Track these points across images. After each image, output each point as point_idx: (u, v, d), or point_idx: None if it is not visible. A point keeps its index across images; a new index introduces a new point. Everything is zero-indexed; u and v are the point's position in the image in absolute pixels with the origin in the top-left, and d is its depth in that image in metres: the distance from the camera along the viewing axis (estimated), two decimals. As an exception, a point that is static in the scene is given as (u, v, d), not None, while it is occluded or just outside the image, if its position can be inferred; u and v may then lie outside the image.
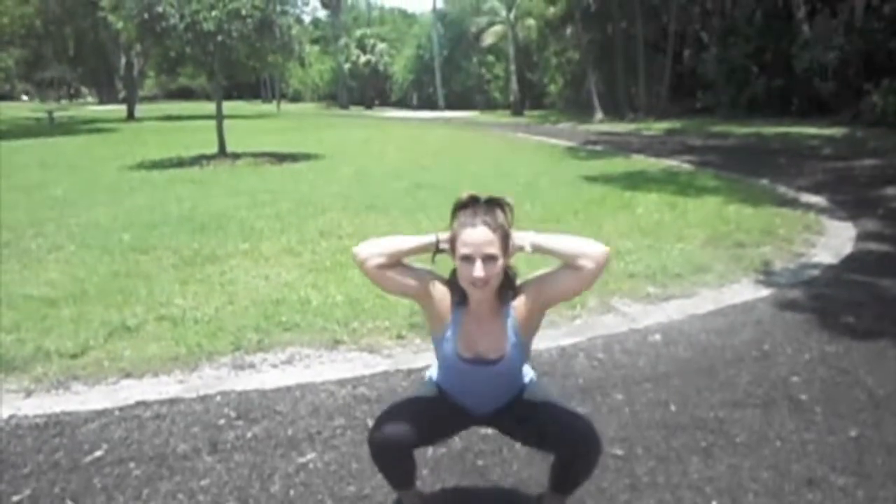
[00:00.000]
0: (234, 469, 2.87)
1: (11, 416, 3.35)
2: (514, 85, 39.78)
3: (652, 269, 5.62)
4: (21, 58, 49.19)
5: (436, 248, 2.20)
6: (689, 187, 10.04)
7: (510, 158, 14.95)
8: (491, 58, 47.48)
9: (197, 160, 14.80)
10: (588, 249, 2.14)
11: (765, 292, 5.17)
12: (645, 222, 7.47)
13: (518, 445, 2.94)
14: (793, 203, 8.72)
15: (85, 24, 36.70)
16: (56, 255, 6.42)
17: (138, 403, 3.47)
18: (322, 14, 63.00)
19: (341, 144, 19.18)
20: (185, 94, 75.66)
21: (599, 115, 30.39)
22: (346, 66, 58.29)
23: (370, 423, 2.29)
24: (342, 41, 58.41)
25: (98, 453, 3.00)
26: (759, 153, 15.65)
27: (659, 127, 24.58)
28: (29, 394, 3.60)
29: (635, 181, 10.75)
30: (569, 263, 2.15)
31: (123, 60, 41.02)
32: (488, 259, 2.08)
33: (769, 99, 25.99)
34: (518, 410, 2.35)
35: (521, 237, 2.17)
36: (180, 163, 14.62)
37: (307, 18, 52.49)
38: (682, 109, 29.64)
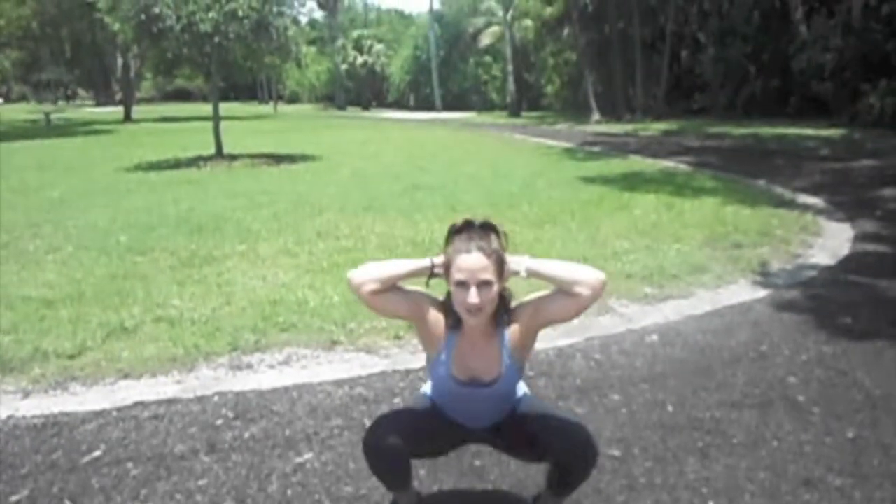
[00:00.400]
0: (231, 469, 2.87)
1: (9, 417, 3.35)
2: (511, 86, 39.75)
3: (649, 269, 5.63)
4: (18, 60, 49.18)
5: (430, 272, 2.19)
6: (686, 188, 10.05)
7: (507, 159, 14.95)
8: (488, 58, 47.48)
9: (194, 161, 14.79)
10: (584, 276, 2.11)
11: (762, 293, 5.18)
12: (642, 223, 7.47)
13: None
14: (790, 204, 8.73)
15: (81, 26, 36.65)
16: (54, 256, 6.42)
17: (136, 404, 3.47)
18: (319, 15, 62.89)
19: (338, 145, 19.18)
20: (182, 96, 75.61)
21: (596, 115, 30.39)
22: (343, 67, 58.27)
23: (367, 423, 2.29)
24: (339, 42, 58.37)
25: (96, 454, 3.00)
26: (756, 154, 15.67)
27: (656, 128, 24.59)
28: (27, 394, 3.60)
29: (633, 182, 10.77)
30: (564, 290, 2.13)
31: (120, 62, 41.02)
32: (483, 285, 2.08)
33: (766, 100, 26.02)
34: (512, 426, 2.36)
35: (516, 262, 2.15)
36: (177, 164, 14.61)
37: (304, 19, 52.48)
38: (680, 110, 29.66)
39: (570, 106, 37.06)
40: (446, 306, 2.22)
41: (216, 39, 13.80)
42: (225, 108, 19.48)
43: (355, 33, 60.98)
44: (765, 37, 25.91)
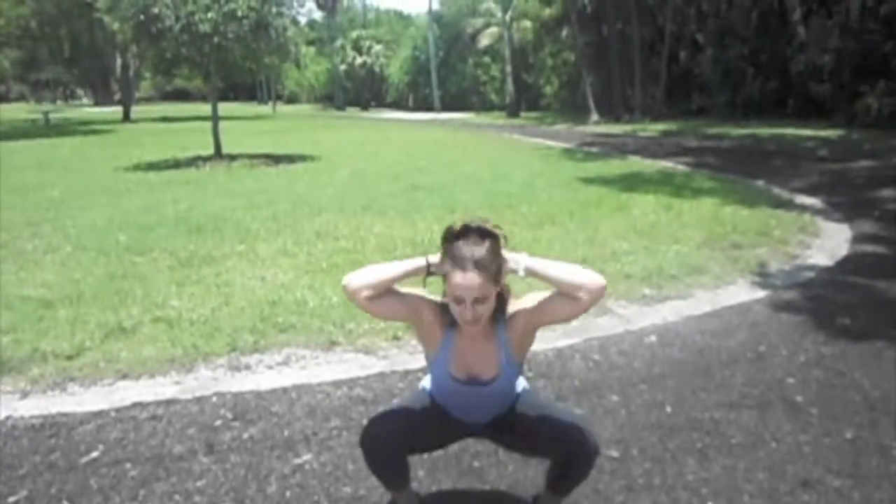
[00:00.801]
0: (230, 470, 2.87)
1: (8, 417, 3.35)
2: (509, 86, 39.76)
3: (648, 270, 5.63)
4: (16, 59, 49.09)
5: (427, 272, 2.18)
6: (685, 189, 10.06)
7: (506, 160, 14.95)
8: (487, 59, 47.46)
9: (193, 162, 14.79)
10: (584, 280, 2.09)
11: (760, 294, 5.18)
12: (641, 224, 7.47)
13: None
14: (788, 205, 8.74)
15: (80, 26, 36.63)
16: (52, 256, 6.42)
17: (134, 404, 3.47)
18: (318, 16, 63.01)
19: (337, 146, 19.18)
20: (181, 96, 75.61)
21: (595, 116, 30.39)
22: (342, 67, 58.28)
23: (363, 426, 2.29)
24: (338, 43, 58.38)
25: (94, 454, 3.00)
26: (754, 155, 15.67)
27: (655, 128, 24.60)
28: (25, 395, 3.60)
29: (631, 183, 10.77)
30: (563, 293, 2.12)
31: (119, 62, 41.02)
32: (478, 300, 2.08)
33: (765, 100, 26.04)
34: (511, 421, 2.36)
35: (514, 260, 2.13)
36: (176, 164, 14.61)
37: (303, 20, 52.52)
38: (678, 111, 29.67)
39: (569, 106, 37.07)
40: (443, 306, 2.22)
41: (215, 39, 13.80)
42: (224, 108, 19.48)
43: (354, 34, 60.93)
44: (763, 38, 25.95)
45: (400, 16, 74.52)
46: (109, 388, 3.66)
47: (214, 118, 15.71)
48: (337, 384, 3.69)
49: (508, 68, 39.85)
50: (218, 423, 3.28)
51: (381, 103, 58.94)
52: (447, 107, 48.38)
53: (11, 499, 2.70)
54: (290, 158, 15.48)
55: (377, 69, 58.61)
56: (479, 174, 12.05)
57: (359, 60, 58.38)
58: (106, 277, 5.65)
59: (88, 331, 4.36)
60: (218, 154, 15.37)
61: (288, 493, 2.71)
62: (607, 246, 6.47)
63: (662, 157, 15.06)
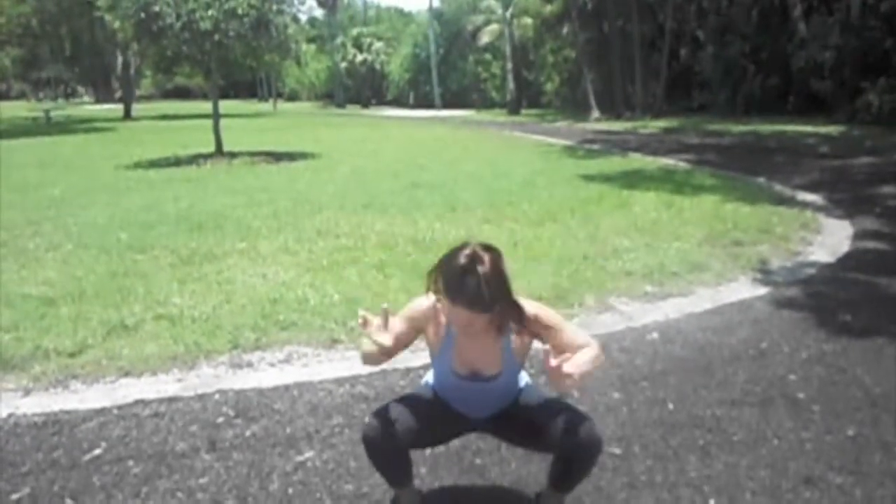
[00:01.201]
0: (232, 467, 2.87)
1: (10, 415, 3.35)
2: (510, 83, 39.73)
3: (649, 267, 5.63)
4: (17, 57, 49.08)
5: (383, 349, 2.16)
6: (686, 186, 10.05)
7: (507, 157, 14.95)
8: (487, 56, 47.44)
9: (194, 159, 14.78)
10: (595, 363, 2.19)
11: (762, 291, 5.18)
12: (642, 221, 7.47)
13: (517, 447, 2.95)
14: (790, 201, 8.74)
15: (81, 24, 36.61)
16: (54, 254, 6.42)
17: (137, 402, 3.47)
18: (318, 13, 63.01)
19: (338, 143, 19.18)
20: (182, 94, 75.54)
21: (596, 113, 30.39)
22: (343, 64, 58.27)
23: (365, 422, 2.29)
24: (338, 40, 58.35)
25: (97, 452, 3.01)
26: (755, 151, 15.67)
27: (655, 125, 24.60)
28: (28, 392, 3.60)
29: (632, 180, 10.77)
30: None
31: (120, 60, 40.96)
32: (466, 327, 2.12)
33: (766, 97, 26.05)
34: (515, 415, 2.37)
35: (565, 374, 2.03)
36: (177, 162, 14.60)
37: (303, 17, 52.50)
38: (679, 108, 29.68)
39: (570, 104, 37.08)
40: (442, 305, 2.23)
41: (216, 37, 13.79)
42: (224, 105, 19.47)
43: (355, 31, 60.95)
44: (764, 35, 25.94)
45: (400, 13, 74.51)
46: (112, 386, 3.67)
47: (215, 116, 15.71)
48: (339, 382, 3.69)
49: (509, 65, 39.82)
50: (220, 420, 3.28)
51: (382, 101, 58.91)
52: (448, 104, 48.37)
53: (14, 496, 2.71)
54: (290, 156, 15.47)
55: (378, 66, 58.60)
56: (479, 172, 12.04)
57: (359, 58, 58.37)
58: (107, 275, 5.65)
59: (90, 328, 4.36)
60: (219, 152, 15.36)
61: (290, 491, 2.71)
62: (608, 243, 6.47)
63: (663, 154, 15.06)
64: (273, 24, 14.41)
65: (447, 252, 2.12)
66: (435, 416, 2.36)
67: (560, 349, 2.20)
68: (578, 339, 2.23)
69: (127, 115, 37.15)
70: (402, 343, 2.28)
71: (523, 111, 38.64)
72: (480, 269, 2.01)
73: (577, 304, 4.82)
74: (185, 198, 9.60)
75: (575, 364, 2.03)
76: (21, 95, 76.67)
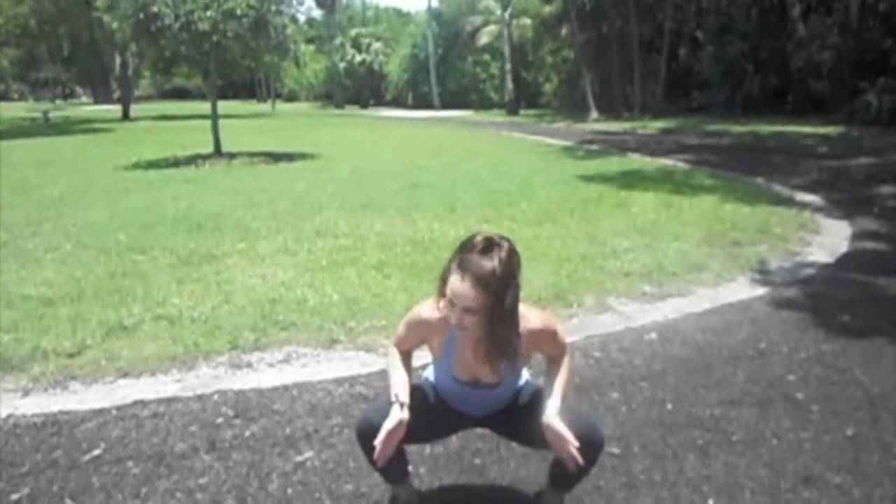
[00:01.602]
0: (231, 468, 2.87)
1: (9, 416, 3.35)
2: (509, 84, 39.76)
3: (648, 267, 5.64)
4: (16, 58, 49.08)
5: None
6: (684, 186, 10.06)
7: (506, 158, 14.95)
8: (486, 57, 47.49)
9: (193, 160, 14.77)
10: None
11: (761, 291, 5.19)
12: (641, 221, 7.48)
13: (514, 444, 2.95)
14: (788, 202, 8.74)
15: (79, 24, 36.54)
16: (53, 254, 6.41)
17: (136, 402, 3.47)
18: (317, 13, 63.04)
19: (337, 144, 19.17)
20: (181, 94, 75.58)
21: (595, 114, 30.40)
22: (342, 65, 58.28)
23: (357, 417, 2.30)
24: (337, 40, 58.37)
25: (96, 452, 3.01)
26: (754, 152, 15.68)
27: (654, 126, 24.60)
28: (27, 393, 3.60)
29: (631, 180, 10.77)
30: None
31: (118, 60, 40.94)
32: (466, 311, 2.07)
33: (764, 98, 26.07)
34: (514, 413, 2.38)
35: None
36: (176, 163, 14.59)
37: (302, 18, 52.49)
38: (678, 108, 29.70)
39: (569, 104, 37.09)
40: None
41: (214, 38, 13.78)
42: (223, 106, 19.46)
43: (353, 31, 60.97)
44: (763, 35, 25.95)
45: (399, 13, 74.65)
46: (111, 386, 3.67)
47: (214, 116, 15.71)
48: (338, 382, 3.70)
49: (508, 66, 39.85)
50: (219, 420, 3.28)
51: (381, 101, 58.91)
52: (446, 105, 48.39)
53: (14, 497, 2.71)
54: (289, 157, 15.47)
55: (376, 67, 58.62)
56: (478, 172, 12.05)
57: (358, 58, 58.40)
58: (107, 276, 5.65)
59: (89, 329, 4.36)
60: (217, 152, 15.36)
61: (290, 491, 2.71)
62: (607, 243, 6.47)
63: (662, 155, 15.07)
64: (272, 24, 14.41)
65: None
66: (432, 412, 2.37)
67: (549, 354, 2.33)
68: (561, 343, 2.34)
69: (125, 115, 37.12)
70: (410, 347, 2.37)
71: (522, 112, 38.66)
72: (498, 249, 2.05)
73: (575, 305, 4.83)
74: (184, 198, 9.60)
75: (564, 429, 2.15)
76: (19, 96, 76.66)
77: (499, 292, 2.04)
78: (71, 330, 4.34)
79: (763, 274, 5.61)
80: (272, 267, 5.87)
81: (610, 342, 4.23)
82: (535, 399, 2.36)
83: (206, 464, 2.91)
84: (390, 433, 2.11)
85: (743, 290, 5.23)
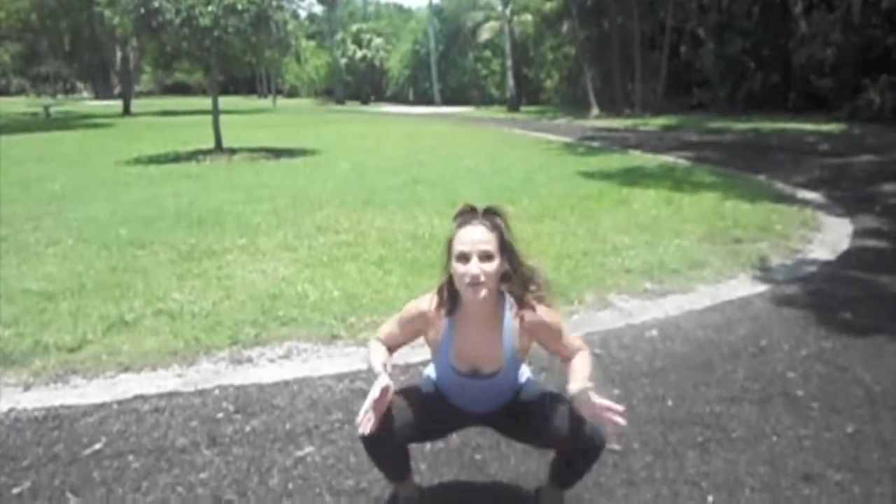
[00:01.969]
0: (232, 462, 2.88)
1: (11, 410, 3.36)
2: (510, 80, 39.72)
3: (649, 264, 5.64)
4: (17, 52, 49.04)
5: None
6: (685, 183, 10.06)
7: (506, 154, 14.94)
8: (487, 53, 47.40)
9: (193, 155, 14.78)
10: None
11: (762, 288, 5.19)
12: (642, 218, 7.48)
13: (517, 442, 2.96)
14: (790, 199, 8.74)
15: (81, 19, 36.49)
16: (54, 249, 6.42)
17: (137, 397, 3.48)
18: (318, 9, 62.94)
19: (337, 140, 19.17)
20: (181, 90, 75.46)
21: (596, 110, 30.38)
22: (343, 61, 58.19)
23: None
24: (338, 36, 58.29)
25: (97, 446, 3.01)
26: (756, 149, 15.66)
27: (656, 123, 24.58)
28: (28, 387, 3.60)
29: (632, 177, 10.77)
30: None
31: (119, 55, 40.92)
32: (484, 257, 2.08)
33: (766, 95, 26.04)
34: (515, 410, 2.37)
35: (577, 384, 2.12)
36: (177, 158, 14.60)
37: (303, 13, 52.43)
38: (679, 105, 29.66)
39: (570, 101, 37.03)
40: (441, 294, 2.23)
41: (215, 33, 13.77)
42: (224, 102, 19.46)
43: (354, 27, 60.87)
44: (764, 32, 25.92)
45: (400, 9, 74.53)
46: (112, 381, 3.67)
47: (215, 112, 15.70)
48: (338, 377, 3.70)
49: (509, 62, 39.81)
50: (220, 415, 3.29)
51: (381, 97, 58.86)
52: (447, 101, 48.35)
53: (15, 490, 2.71)
54: (290, 152, 15.47)
55: (377, 63, 58.55)
56: (479, 168, 12.04)
57: (359, 54, 58.31)
58: (107, 270, 5.65)
59: (90, 323, 4.36)
60: (218, 148, 15.36)
61: (290, 486, 2.71)
62: (608, 240, 6.47)
63: (663, 152, 15.06)
64: (272, 20, 14.40)
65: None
66: (434, 410, 2.37)
67: (558, 353, 2.29)
68: (575, 343, 2.31)
69: (126, 111, 37.10)
70: (399, 344, 2.36)
71: (523, 108, 38.61)
72: (493, 208, 2.19)
73: (576, 301, 4.83)
74: (185, 194, 9.60)
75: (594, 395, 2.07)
76: (20, 91, 76.59)
77: (503, 243, 2.12)
78: (72, 324, 4.35)
79: (764, 271, 5.61)
80: (273, 262, 5.87)
81: (611, 339, 4.23)
82: (537, 397, 2.36)
83: (206, 458, 2.91)
84: (376, 401, 2.09)
85: (744, 287, 5.23)
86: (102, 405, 3.40)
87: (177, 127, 24.81)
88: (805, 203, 8.45)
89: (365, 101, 56.46)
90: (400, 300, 4.67)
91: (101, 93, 61.65)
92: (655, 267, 5.58)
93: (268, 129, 23.36)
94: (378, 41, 58.93)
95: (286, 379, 3.68)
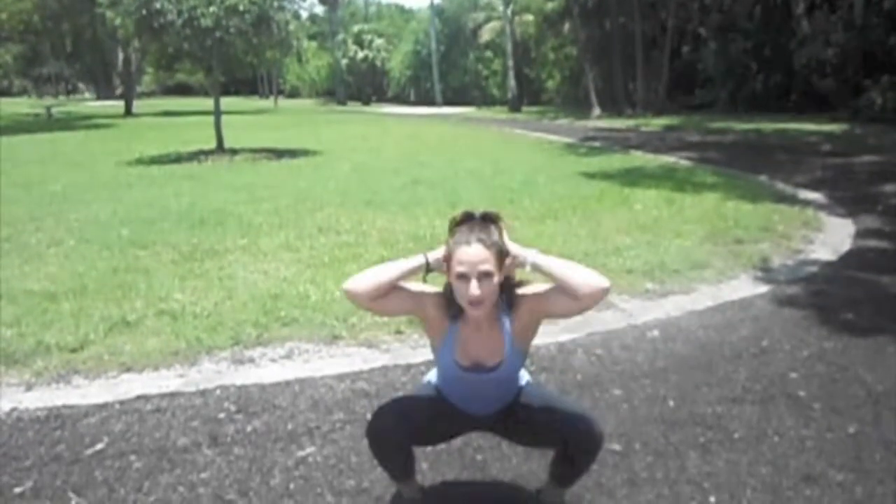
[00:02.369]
0: (234, 462, 2.88)
1: (13, 410, 3.36)
2: (511, 81, 39.69)
3: (650, 265, 5.63)
4: (19, 54, 49.08)
5: (426, 269, 2.20)
6: (687, 183, 10.05)
7: (508, 154, 14.94)
8: (488, 53, 47.36)
9: (195, 156, 14.78)
10: (587, 281, 2.08)
11: (763, 289, 5.19)
12: (643, 218, 7.48)
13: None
14: (791, 199, 8.73)
15: (82, 20, 36.53)
16: (56, 249, 6.42)
17: (138, 397, 3.48)
18: (319, 10, 62.93)
19: (339, 140, 19.16)
20: (183, 90, 75.43)
21: (597, 111, 30.36)
22: (344, 61, 58.16)
23: (369, 417, 2.29)
24: (339, 37, 58.26)
25: (99, 446, 3.02)
26: (757, 149, 15.66)
27: (657, 123, 24.57)
28: (30, 387, 3.60)
29: (633, 177, 10.76)
30: (565, 291, 2.12)
31: (121, 56, 40.93)
32: (484, 277, 2.08)
33: (768, 95, 26.01)
34: (516, 413, 2.38)
35: (522, 254, 2.15)
36: (178, 158, 14.60)
37: (305, 14, 52.44)
38: (681, 105, 29.65)
39: (571, 101, 37.04)
40: (446, 296, 2.23)
41: (217, 34, 13.78)
42: (225, 102, 19.46)
43: (356, 28, 60.84)
44: (766, 32, 25.89)
45: (401, 10, 74.49)
46: (114, 381, 3.67)
47: (216, 112, 15.70)
48: (340, 378, 3.70)
49: (510, 63, 39.77)
50: (222, 415, 3.29)
51: (383, 98, 58.83)
52: (448, 101, 48.32)
53: (17, 490, 2.71)
54: (291, 153, 15.47)
55: (378, 63, 58.50)
56: (480, 169, 12.04)
57: (360, 55, 58.27)
58: (109, 271, 5.66)
59: (92, 324, 4.37)
60: (220, 148, 15.36)
61: (292, 486, 2.71)
62: (609, 240, 6.47)
63: (665, 152, 15.06)
64: (274, 20, 14.40)
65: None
66: (438, 415, 2.37)
67: (565, 305, 2.18)
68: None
69: (128, 111, 37.11)
70: (394, 303, 2.24)
71: (524, 108, 38.58)
72: (487, 214, 2.18)
73: (578, 302, 4.82)
74: (187, 194, 9.60)
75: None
76: (22, 92, 76.64)
77: (500, 255, 2.12)
78: (74, 325, 4.35)
79: (765, 271, 5.60)
80: (274, 263, 5.87)
81: (612, 339, 4.23)
82: (537, 399, 2.37)
83: (208, 458, 2.91)
84: (408, 268, 2.17)
85: (745, 287, 5.23)
86: (104, 405, 3.40)
87: (178, 127, 24.83)
88: (807, 203, 8.45)
89: (366, 102, 56.44)
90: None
91: (103, 94, 61.68)
92: (657, 267, 5.58)
93: (269, 130, 23.37)
94: (379, 42, 58.90)
95: (288, 379, 3.69)
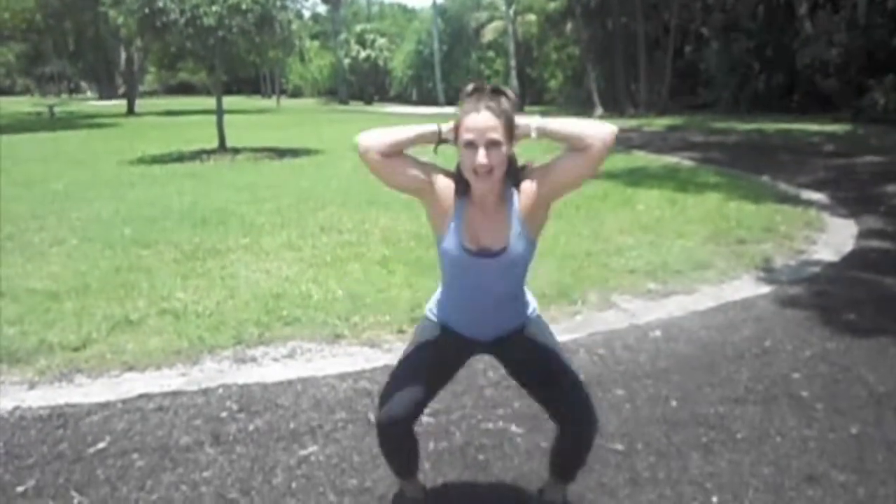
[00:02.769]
0: (236, 461, 2.88)
1: (15, 408, 3.37)
2: (513, 80, 39.66)
3: (653, 265, 5.63)
4: (22, 52, 49.10)
5: (438, 139, 2.17)
6: (689, 184, 10.04)
7: (511, 154, 14.90)
8: (491, 53, 47.36)
9: (197, 155, 14.78)
10: (595, 129, 2.08)
11: (765, 289, 5.18)
12: (646, 218, 7.47)
13: (518, 440, 2.96)
14: (794, 200, 8.72)
15: (85, 19, 36.58)
16: (58, 248, 6.43)
17: (141, 396, 3.48)
18: (322, 9, 62.95)
19: (341, 140, 19.09)
20: (185, 90, 75.43)
21: (600, 111, 30.35)
22: (346, 61, 58.14)
23: (371, 416, 2.30)
24: (342, 36, 58.26)
25: (101, 445, 3.02)
26: (760, 149, 15.63)
27: (660, 123, 24.54)
28: (32, 386, 3.61)
29: (636, 177, 10.74)
30: (575, 145, 2.10)
31: (123, 55, 41.02)
32: (492, 145, 2.03)
33: (771, 95, 25.98)
34: (520, 345, 2.32)
35: (525, 123, 2.13)
36: (181, 157, 14.60)
37: (307, 13, 52.43)
38: (683, 105, 29.63)
39: (573, 101, 36.97)
40: (456, 175, 2.18)
41: (220, 33, 13.78)
42: (227, 102, 19.43)
43: (358, 27, 60.82)
44: (769, 32, 25.85)
45: (404, 9, 74.49)
46: (116, 380, 3.68)
47: (219, 112, 15.70)
48: (342, 377, 3.70)
49: (512, 62, 39.82)
50: (224, 414, 3.29)
51: (385, 97, 58.79)
52: (451, 101, 48.23)
53: (20, 488, 2.72)
54: (294, 152, 15.47)
55: (381, 63, 58.47)
56: (483, 168, 12.00)
57: (363, 54, 58.24)
58: (112, 270, 5.67)
59: (95, 323, 4.37)
60: (222, 147, 15.36)
61: (294, 485, 2.72)
62: (612, 240, 6.47)
63: (667, 152, 15.05)
64: (277, 20, 14.41)
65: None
66: (440, 353, 2.32)
67: (573, 166, 2.18)
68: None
69: (130, 110, 37.15)
70: (403, 168, 2.20)
71: (526, 108, 38.45)
72: (498, 87, 2.13)
73: (580, 302, 4.82)
74: (189, 193, 9.61)
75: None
76: (25, 91, 76.70)
77: (510, 122, 2.09)
78: (76, 323, 4.36)
79: (768, 272, 5.60)
80: (276, 262, 5.88)
81: (614, 339, 4.23)
82: (541, 338, 2.34)
83: (210, 457, 2.92)
84: (421, 132, 2.16)
85: (747, 287, 5.22)
86: (107, 404, 3.40)
87: (181, 126, 24.84)
88: (809, 204, 8.44)
89: (368, 102, 56.40)
90: (403, 300, 4.69)
91: (106, 93, 61.70)
92: (659, 267, 5.58)
93: (271, 129, 23.36)
94: (382, 41, 58.87)
95: (290, 378, 3.69)
